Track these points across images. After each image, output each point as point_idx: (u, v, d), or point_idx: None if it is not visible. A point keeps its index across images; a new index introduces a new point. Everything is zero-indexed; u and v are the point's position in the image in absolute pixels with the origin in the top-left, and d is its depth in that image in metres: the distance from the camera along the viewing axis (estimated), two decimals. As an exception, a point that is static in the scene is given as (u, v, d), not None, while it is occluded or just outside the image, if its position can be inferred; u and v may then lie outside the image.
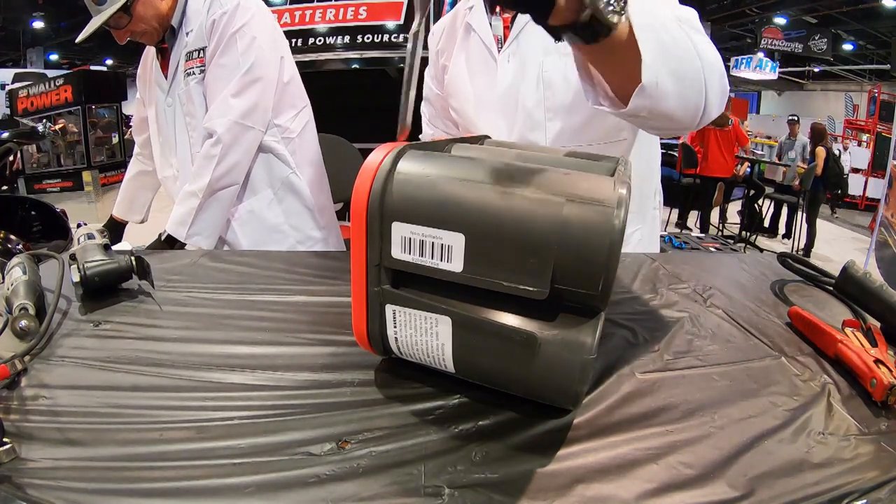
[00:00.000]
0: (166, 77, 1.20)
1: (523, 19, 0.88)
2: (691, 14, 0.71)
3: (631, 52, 0.46)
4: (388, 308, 0.39)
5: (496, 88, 0.91)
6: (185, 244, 1.14)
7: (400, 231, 0.36)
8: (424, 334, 0.39)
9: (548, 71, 0.86)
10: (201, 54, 1.15)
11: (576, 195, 0.34)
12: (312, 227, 1.36)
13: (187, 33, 1.15)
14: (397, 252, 0.36)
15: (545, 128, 0.88)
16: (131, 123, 1.40)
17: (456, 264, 0.35)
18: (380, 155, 0.38)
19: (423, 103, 1.09)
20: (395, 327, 0.40)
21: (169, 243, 1.18)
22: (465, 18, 0.95)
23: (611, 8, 0.41)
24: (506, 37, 0.91)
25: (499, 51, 0.92)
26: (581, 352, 0.35)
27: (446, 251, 0.35)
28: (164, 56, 1.21)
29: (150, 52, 1.27)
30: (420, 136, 1.13)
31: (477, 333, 0.37)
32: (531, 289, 0.34)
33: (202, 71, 1.15)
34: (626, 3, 0.43)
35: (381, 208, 0.36)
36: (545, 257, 0.33)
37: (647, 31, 0.46)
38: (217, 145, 1.13)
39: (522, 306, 0.36)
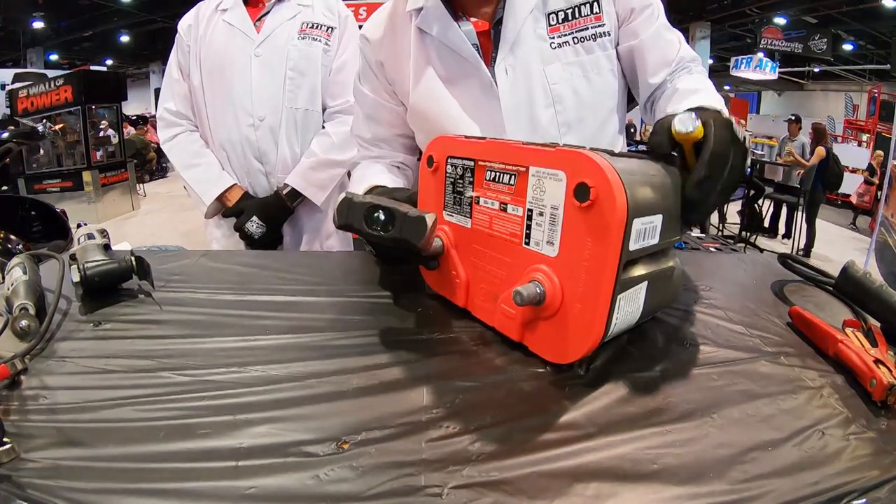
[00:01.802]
0: (258, 29, 1.26)
1: (517, 21, 0.76)
2: (692, 51, 0.79)
3: None
4: (618, 298, 0.43)
5: (500, 106, 0.78)
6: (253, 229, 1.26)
7: (637, 226, 0.42)
8: (633, 304, 0.46)
9: (556, 83, 0.78)
10: (330, 31, 1.29)
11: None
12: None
13: (299, 4, 1.28)
14: (633, 245, 0.42)
15: (561, 143, 0.82)
16: (165, 96, 1.35)
17: (656, 238, 0.45)
18: (605, 161, 0.41)
19: (363, 124, 0.91)
20: (617, 314, 0.44)
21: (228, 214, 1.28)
22: (415, 23, 0.79)
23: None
24: (482, 45, 0.78)
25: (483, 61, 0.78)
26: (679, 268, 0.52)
27: (654, 231, 0.44)
28: (251, 7, 1.28)
29: (201, 8, 1.31)
30: (356, 158, 0.96)
31: (657, 283, 0.48)
32: (680, 238, 0.50)
33: (328, 43, 1.28)
34: None
35: (632, 210, 0.41)
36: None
37: None
38: None
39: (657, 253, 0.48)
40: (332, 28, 1.29)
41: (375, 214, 0.51)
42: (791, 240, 5.26)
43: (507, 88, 0.78)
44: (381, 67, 0.86)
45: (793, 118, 6.21)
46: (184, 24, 1.31)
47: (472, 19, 0.79)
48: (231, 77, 1.24)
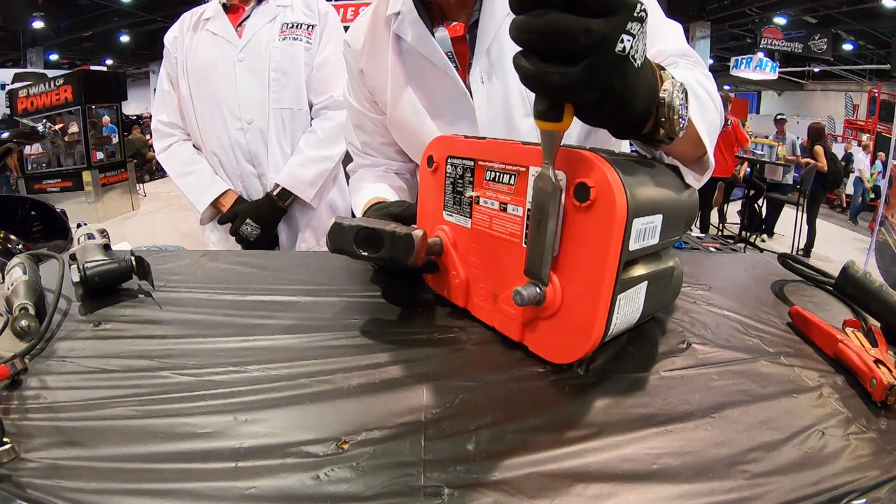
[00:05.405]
0: (239, 34, 1.27)
1: (495, 22, 0.72)
2: (689, 48, 0.69)
3: (688, 138, 0.49)
4: (618, 298, 0.43)
5: (475, 116, 0.75)
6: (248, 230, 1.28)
7: (636, 226, 0.42)
8: (633, 304, 0.46)
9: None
10: (311, 30, 1.29)
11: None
12: None
13: (278, 5, 1.28)
14: (633, 245, 0.42)
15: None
16: (158, 108, 1.36)
17: (656, 238, 0.45)
18: (605, 161, 0.41)
19: (352, 132, 0.91)
20: (617, 314, 0.44)
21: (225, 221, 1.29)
22: (393, 29, 0.76)
23: (680, 126, 0.43)
24: (458, 52, 0.75)
25: (457, 68, 0.74)
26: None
27: (654, 231, 0.44)
28: (231, 14, 1.29)
29: (185, 20, 1.32)
30: (352, 166, 0.96)
31: (657, 283, 0.49)
32: (680, 238, 0.50)
33: (309, 41, 1.29)
34: (686, 110, 0.44)
35: (632, 210, 0.41)
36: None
37: (703, 124, 0.48)
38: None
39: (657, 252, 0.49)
40: (313, 26, 1.30)
41: (364, 237, 0.51)
42: (792, 239, 5.27)
43: (483, 97, 0.75)
44: (362, 76, 0.84)
45: (783, 118, 6.92)
46: (169, 36, 1.33)
47: (449, 24, 0.75)
48: (217, 83, 1.25)
